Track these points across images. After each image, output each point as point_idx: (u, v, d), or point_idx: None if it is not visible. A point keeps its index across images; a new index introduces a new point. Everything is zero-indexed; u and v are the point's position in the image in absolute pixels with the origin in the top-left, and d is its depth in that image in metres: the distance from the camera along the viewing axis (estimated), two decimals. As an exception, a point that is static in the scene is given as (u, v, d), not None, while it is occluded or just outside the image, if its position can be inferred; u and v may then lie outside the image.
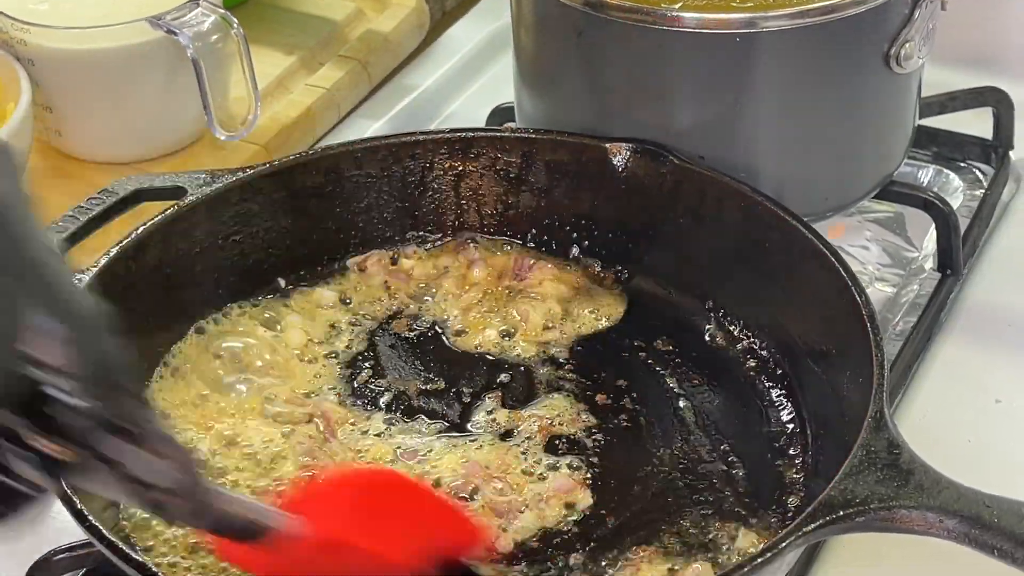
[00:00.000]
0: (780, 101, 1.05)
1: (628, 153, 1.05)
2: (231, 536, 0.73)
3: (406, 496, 0.85)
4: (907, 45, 1.04)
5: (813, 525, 0.77)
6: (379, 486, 0.86)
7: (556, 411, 0.97)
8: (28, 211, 0.60)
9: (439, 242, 1.10)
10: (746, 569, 0.76)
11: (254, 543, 0.74)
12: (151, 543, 0.87)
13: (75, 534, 0.88)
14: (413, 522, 0.82)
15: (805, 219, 0.99)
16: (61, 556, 0.88)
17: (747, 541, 0.87)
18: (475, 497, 0.90)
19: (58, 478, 0.61)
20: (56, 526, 0.95)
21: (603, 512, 0.90)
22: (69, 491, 0.80)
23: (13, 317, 0.56)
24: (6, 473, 0.59)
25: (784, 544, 0.77)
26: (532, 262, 1.08)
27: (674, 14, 1.00)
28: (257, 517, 0.73)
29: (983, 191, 1.22)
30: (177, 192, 1.02)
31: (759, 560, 0.76)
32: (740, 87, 1.04)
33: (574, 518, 0.90)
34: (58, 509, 0.94)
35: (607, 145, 1.06)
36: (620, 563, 0.86)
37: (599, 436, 0.95)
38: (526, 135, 1.09)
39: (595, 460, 0.94)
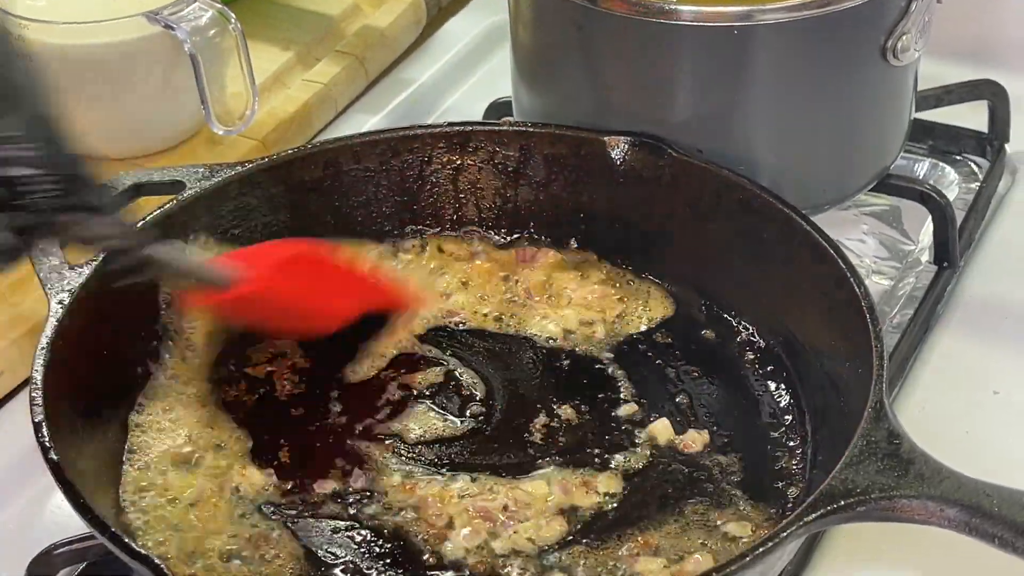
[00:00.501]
0: (777, 94, 1.05)
1: (626, 146, 1.06)
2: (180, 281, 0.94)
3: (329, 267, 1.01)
4: (904, 38, 1.05)
5: (814, 515, 0.77)
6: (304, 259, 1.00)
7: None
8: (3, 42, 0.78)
9: (439, 234, 1.10)
10: (747, 559, 0.76)
11: (207, 290, 0.93)
12: (151, 537, 0.88)
13: (75, 528, 0.88)
14: (337, 285, 1.00)
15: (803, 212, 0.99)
16: (62, 550, 0.88)
17: (747, 531, 0.87)
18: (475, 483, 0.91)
19: (28, 241, 0.79)
20: (56, 520, 0.96)
21: (603, 504, 0.90)
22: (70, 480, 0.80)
23: None
24: None
25: (785, 534, 0.77)
26: (535, 250, 1.08)
27: (671, 8, 1.01)
28: (201, 270, 0.93)
29: (979, 184, 1.23)
30: (176, 186, 1.02)
31: (760, 550, 0.76)
32: (738, 80, 1.04)
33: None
34: (58, 503, 0.95)
35: (605, 138, 1.06)
36: (621, 554, 0.87)
37: (598, 429, 0.96)
38: (524, 129, 1.09)
39: (595, 452, 0.94)
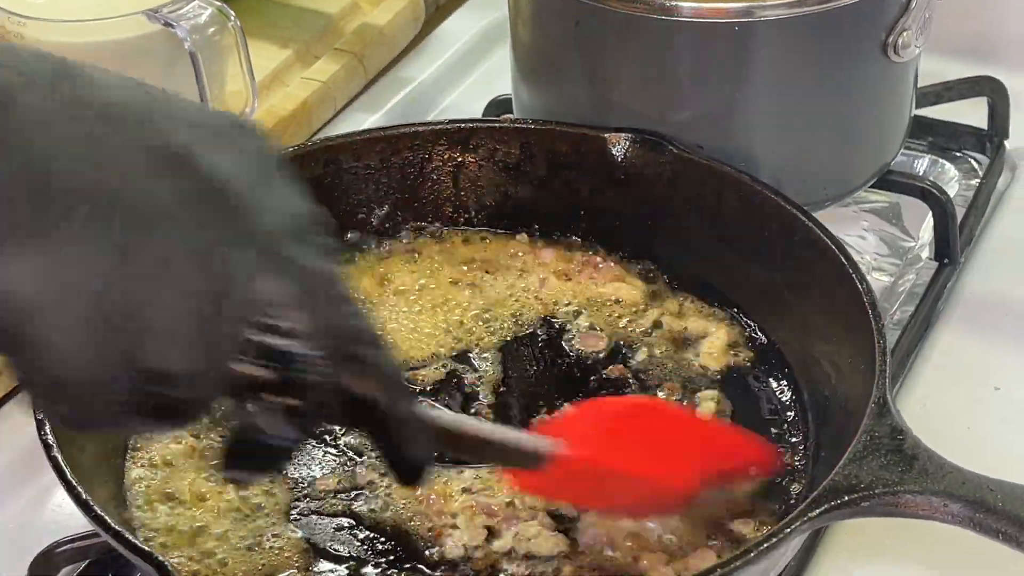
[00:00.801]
0: (778, 90, 1.05)
1: (627, 143, 1.06)
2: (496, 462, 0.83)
3: (669, 422, 0.89)
4: (904, 34, 1.05)
5: (818, 510, 0.77)
6: (641, 413, 0.89)
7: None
8: (267, 180, 0.61)
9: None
10: (752, 555, 0.76)
11: (527, 468, 0.79)
12: (155, 533, 0.88)
13: (75, 527, 0.88)
14: (681, 444, 0.86)
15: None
16: (64, 548, 0.88)
17: (750, 527, 0.87)
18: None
19: (306, 427, 0.64)
20: (57, 519, 0.95)
21: (606, 500, 0.90)
22: (72, 477, 0.80)
23: (246, 283, 0.59)
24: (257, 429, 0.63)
25: (790, 529, 0.77)
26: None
27: (672, 4, 1.01)
28: (503, 446, 0.78)
29: (978, 180, 1.23)
30: (177, 184, 1.01)
31: (765, 545, 0.76)
32: (738, 76, 1.04)
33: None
34: (59, 502, 0.95)
35: (606, 135, 1.06)
36: (624, 550, 0.86)
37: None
38: (525, 126, 1.09)
39: (597, 448, 0.94)
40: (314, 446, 0.94)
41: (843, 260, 0.94)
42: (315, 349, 0.62)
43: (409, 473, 0.70)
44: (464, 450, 0.79)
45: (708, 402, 0.96)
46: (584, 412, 0.90)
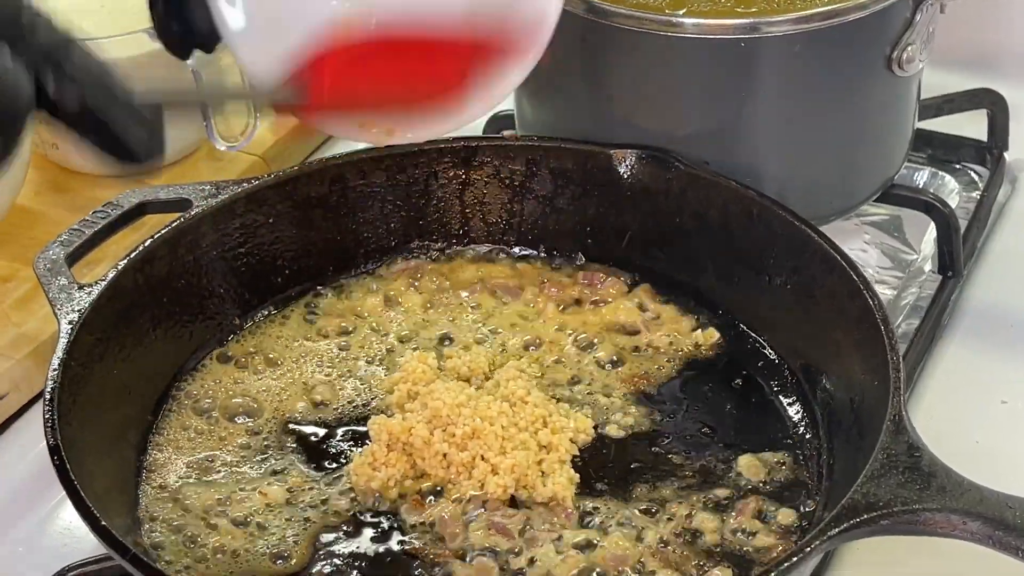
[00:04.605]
0: (784, 105, 1.05)
1: (633, 159, 1.06)
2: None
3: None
4: (908, 49, 1.05)
5: (838, 529, 0.78)
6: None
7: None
8: None
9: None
10: (772, 574, 0.76)
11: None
12: (170, 556, 0.87)
13: (84, 549, 0.88)
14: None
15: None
16: (75, 572, 0.87)
17: (768, 544, 0.87)
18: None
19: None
20: (65, 541, 0.95)
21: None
22: (89, 503, 0.79)
23: None
24: None
25: (809, 549, 0.77)
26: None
27: (677, 20, 1.01)
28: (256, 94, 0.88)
29: (979, 193, 1.23)
30: (182, 204, 1.01)
31: (785, 565, 0.76)
32: (744, 92, 1.04)
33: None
34: (67, 525, 0.95)
35: (612, 152, 1.06)
36: (642, 571, 0.86)
37: (615, 445, 0.95)
38: (530, 143, 1.09)
39: (614, 467, 0.93)
40: (327, 467, 0.94)
41: (853, 275, 0.94)
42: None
43: (132, 155, 0.77)
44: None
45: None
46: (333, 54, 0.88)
